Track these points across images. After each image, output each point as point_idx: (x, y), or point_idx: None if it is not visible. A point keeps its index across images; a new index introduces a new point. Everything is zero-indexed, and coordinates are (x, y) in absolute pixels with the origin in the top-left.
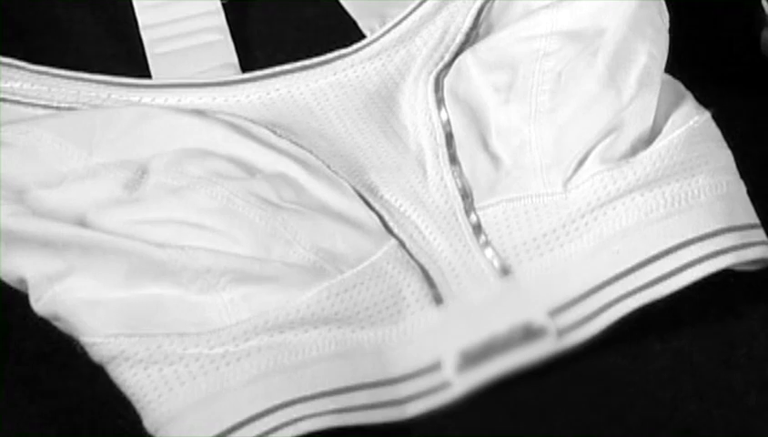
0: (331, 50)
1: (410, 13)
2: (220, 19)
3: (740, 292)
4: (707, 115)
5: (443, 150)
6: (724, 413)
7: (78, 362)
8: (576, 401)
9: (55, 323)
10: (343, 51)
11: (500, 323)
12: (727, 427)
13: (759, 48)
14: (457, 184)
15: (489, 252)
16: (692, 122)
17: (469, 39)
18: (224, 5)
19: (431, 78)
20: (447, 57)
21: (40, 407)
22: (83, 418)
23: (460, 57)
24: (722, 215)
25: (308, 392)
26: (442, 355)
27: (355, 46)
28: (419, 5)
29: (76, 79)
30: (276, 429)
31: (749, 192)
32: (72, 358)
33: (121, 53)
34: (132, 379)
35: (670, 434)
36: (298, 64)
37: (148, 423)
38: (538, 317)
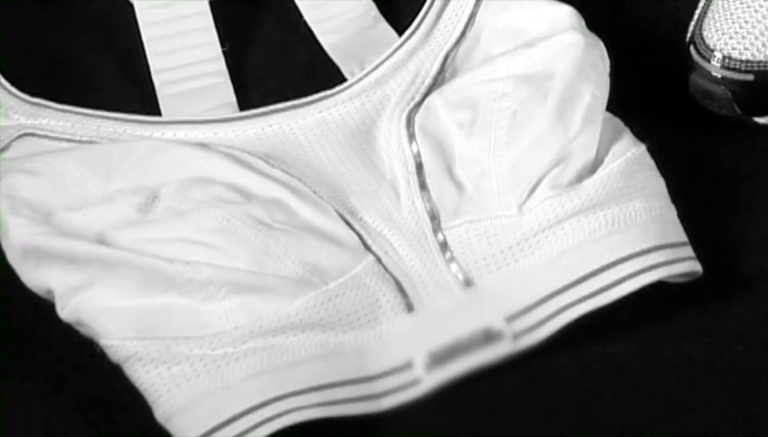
0: (317, 91)
1: (386, 59)
2: (221, 64)
3: (671, 301)
4: (643, 147)
5: (414, 178)
6: (657, 407)
7: (98, 362)
8: (528, 396)
9: (78, 328)
10: (328, 92)
11: (463, 328)
12: (659, 420)
13: (688, 89)
14: (426, 207)
15: (453, 267)
16: (629, 154)
17: (437, 82)
18: (224, 52)
19: (404, 116)
20: (417, 98)
21: (66, 400)
22: (102, 410)
23: (429, 98)
24: (656, 234)
25: (297, 388)
26: (413, 356)
27: (338, 88)
28: (393, 52)
29: (96, 117)
30: (269, 419)
31: (679, 214)
32: (92, 358)
33: (135, 94)
34: (144, 376)
35: (608, 425)
36: (289, 103)
37: (159, 415)
38: (496, 323)
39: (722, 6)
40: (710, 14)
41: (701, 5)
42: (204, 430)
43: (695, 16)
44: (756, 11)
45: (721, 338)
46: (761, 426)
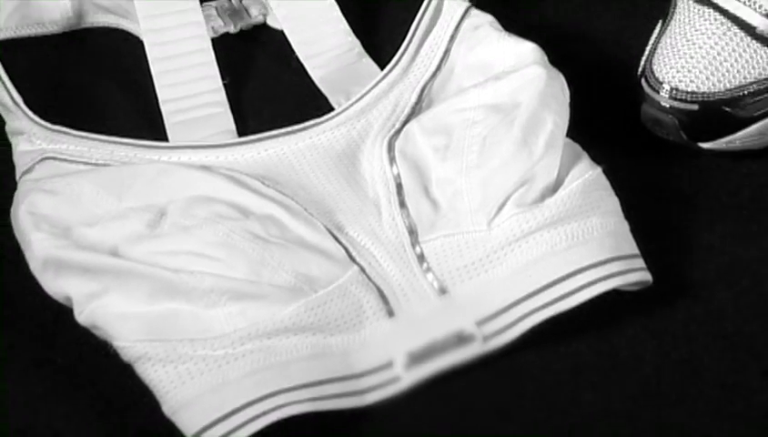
0: (308, 119)
1: (369, 91)
2: (221, 96)
3: (625, 307)
4: (599, 169)
5: (394, 197)
6: (611, 402)
7: (112, 362)
8: (497, 392)
9: (94, 331)
10: (317, 120)
11: (438, 331)
12: (613, 414)
13: (639, 118)
14: (405, 223)
15: (430, 276)
16: (587, 175)
17: (415, 111)
18: (224, 84)
19: (385, 141)
20: (397, 125)
21: (83, 396)
22: (115, 404)
23: (408, 125)
24: (611, 247)
25: (290, 385)
26: (394, 356)
27: (326, 117)
28: (376, 85)
29: (110, 142)
30: (264, 413)
31: (631, 229)
32: (107, 358)
33: (145, 121)
34: (153, 374)
35: (569, 418)
36: (282, 130)
37: (166, 409)
38: (468, 326)
39: (670, 44)
40: (659, 50)
41: (651, 42)
42: (206, 422)
43: (646, 52)
44: (700, 48)
45: (669, 340)
46: (704, 419)
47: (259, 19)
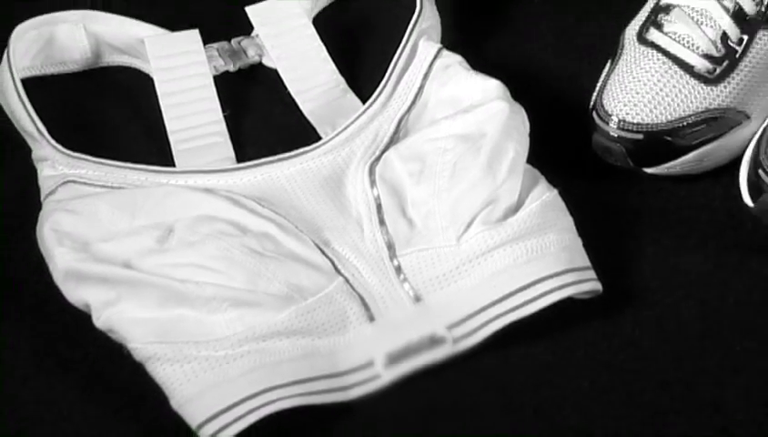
0: (298, 147)
1: (352, 122)
2: (222, 126)
3: (578, 313)
4: (555, 192)
5: (375, 216)
6: (566, 398)
7: (126, 361)
8: (465, 388)
9: (110, 334)
10: (306, 148)
11: (413, 335)
12: (569, 408)
13: (591, 146)
14: (384, 239)
15: (406, 286)
16: (544, 197)
17: (393, 140)
18: (225, 116)
19: (367, 167)
20: (377, 153)
21: (100, 391)
22: (129, 399)
23: (387, 153)
24: (566, 260)
25: (282, 382)
26: (374, 356)
27: (314, 145)
28: (358, 117)
29: (124, 167)
30: (260, 406)
31: (584, 244)
32: (121, 358)
33: (154, 149)
34: (162, 372)
35: (527, 412)
36: (275, 157)
37: (173, 403)
38: (439, 330)
39: (618, 81)
40: (608, 86)
41: (601, 79)
42: (209, 415)
43: (596, 88)
44: (645, 84)
45: (617, 342)
46: (648, 412)
47: (255, 59)
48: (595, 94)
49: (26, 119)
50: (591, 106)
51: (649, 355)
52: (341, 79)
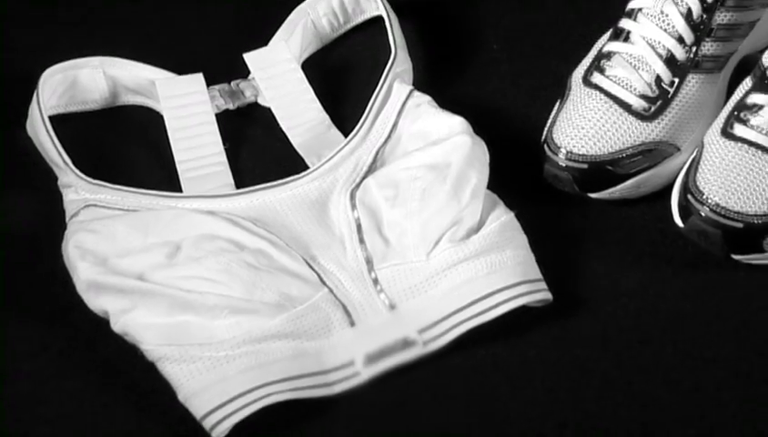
0: (289, 175)
1: (335, 154)
2: (223, 157)
3: (531, 319)
4: (512, 214)
5: (355, 235)
6: (521, 391)
7: (139, 361)
8: (433, 384)
9: (125, 337)
10: (296, 176)
11: (389, 338)
12: (523, 401)
13: (543, 174)
14: (363, 255)
15: (382, 296)
16: (502, 218)
17: (371, 169)
18: (225, 148)
19: (348, 192)
20: (357, 180)
21: (117, 387)
22: (142, 393)
23: (366, 180)
24: (521, 273)
25: (275, 379)
26: (355, 356)
27: (303, 173)
28: (341, 149)
29: (137, 193)
30: (255, 400)
31: (537, 260)
32: (135, 358)
33: (164, 176)
34: (170, 370)
35: (487, 405)
36: (269, 184)
37: (180, 397)
38: (411, 334)
39: (566, 117)
40: (557, 122)
41: (551, 116)
42: (211, 407)
43: (547, 124)
44: (589, 120)
45: (565, 345)
46: (591, 405)
47: (252, 99)
48: (546, 129)
49: (53, 151)
50: (542, 140)
51: (592, 356)
52: (326, 116)
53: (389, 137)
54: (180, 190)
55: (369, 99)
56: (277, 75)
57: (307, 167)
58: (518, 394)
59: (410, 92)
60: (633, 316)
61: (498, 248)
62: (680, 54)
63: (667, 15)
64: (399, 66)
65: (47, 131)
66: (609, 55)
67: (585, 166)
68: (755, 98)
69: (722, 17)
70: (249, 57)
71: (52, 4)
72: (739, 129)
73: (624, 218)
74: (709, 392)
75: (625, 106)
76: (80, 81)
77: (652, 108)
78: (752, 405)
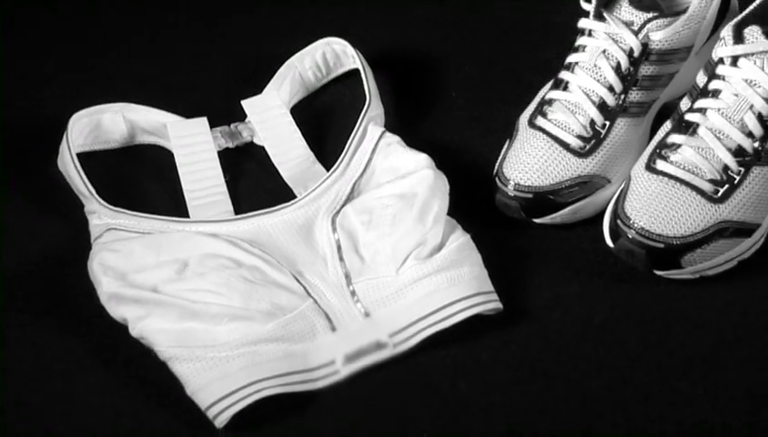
0: (279, 203)
1: (319, 186)
2: (224, 188)
3: (485, 326)
4: (468, 236)
5: (335, 254)
6: (475, 387)
7: (153, 360)
8: (401, 380)
9: (141, 340)
10: (285, 204)
11: (364, 341)
12: (477, 395)
13: (495, 203)
14: (343, 271)
15: (359, 305)
16: (460, 240)
17: (349, 199)
18: (226, 181)
19: (330, 218)
20: (338, 207)
21: (135, 383)
22: (157, 388)
23: (344, 207)
24: (476, 286)
25: (268, 375)
26: (335, 357)
27: (291, 202)
28: (323, 182)
29: (151, 218)
30: (251, 394)
31: (489, 275)
32: (150, 358)
33: (174, 204)
34: (180, 368)
35: (447, 398)
36: (262, 210)
37: (188, 391)
38: (383, 337)
39: (514, 154)
40: (507, 158)
41: (502, 153)
42: (214, 399)
43: (498, 160)
44: (534, 157)
45: (514, 347)
46: (537, 398)
47: (248, 139)
48: (497, 164)
49: (80, 183)
50: (494, 173)
51: (535, 356)
52: (311, 153)
53: (364, 171)
54: (188, 216)
55: (348, 139)
56: (270, 118)
57: (295, 197)
58: (473, 389)
59: (382, 133)
60: (571, 322)
61: (456, 265)
62: (610, 101)
63: (599, 68)
64: (373, 111)
65: (75, 166)
66: (550, 102)
67: (530, 195)
68: (674, 139)
69: (646, 70)
70: (246, 104)
71: (81, 59)
72: (660, 164)
73: (563, 239)
74: (635, 385)
75: (564, 145)
76: (103, 124)
77: (587, 147)
78: (672, 397)
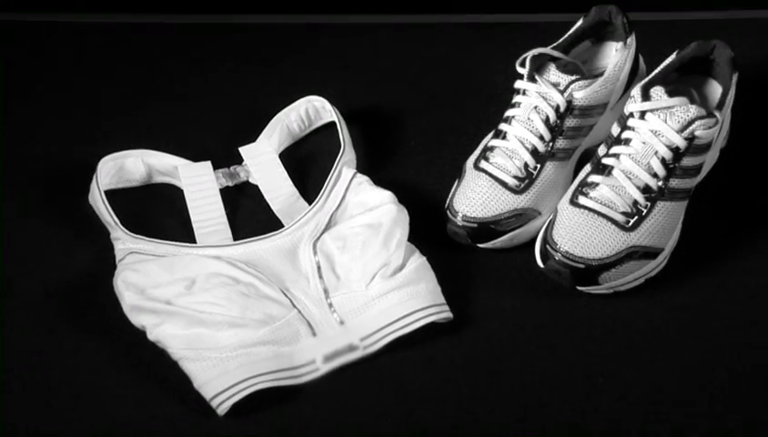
0: (270, 232)
1: (302, 217)
2: (225, 219)
3: (437, 332)
4: (424, 258)
5: (316, 273)
6: (430, 383)
7: (167, 359)
8: (369, 377)
9: (157, 344)
10: (275, 232)
11: (339, 343)
12: (432, 391)
13: (446, 232)
14: (322, 287)
15: (335, 315)
16: (418, 261)
17: (327, 228)
18: (226, 213)
19: (311, 243)
20: (318, 235)
21: (152, 378)
22: (170, 383)
23: (323, 235)
24: (431, 299)
25: (260, 372)
26: (316, 357)
27: (280, 230)
28: (305, 214)
29: (166, 244)
30: (246, 388)
31: (442, 290)
32: (164, 357)
33: (184, 232)
34: (189, 367)
35: (408, 391)
36: (256, 237)
37: (195, 385)
38: (355, 341)
39: (462, 192)
40: (456, 195)
41: (452, 191)
42: (216, 392)
43: (449, 196)
44: (478, 194)
45: (462, 350)
46: (480, 395)
47: (245, 179)
48: (448, 200)
49: (107, 215)
50: (445, 207)
51: (480, 357)
52: (296, 191)
53: (339, 205)
54: (195, 242)
55: (326, 180)
56: (262, 162)
57: (282, 226)
58: (427, 384)
59: (354, 174)
60: (509, 329)
61: (415, 282)
62: (541, 147)
63: (532, 121)
64: (347, 156)
65: (103, 201)
66: (492, 149)
67: (475, 225)
68: (593, 178)
69: (570, 122)
70: (243, 150)
71: (107, 113)
72: (582, 200)
73: (503, 260)
74: (561, 379)
75: (503, 184)
76: (126, 166)
77: (522, 185)
78: (589, 389)
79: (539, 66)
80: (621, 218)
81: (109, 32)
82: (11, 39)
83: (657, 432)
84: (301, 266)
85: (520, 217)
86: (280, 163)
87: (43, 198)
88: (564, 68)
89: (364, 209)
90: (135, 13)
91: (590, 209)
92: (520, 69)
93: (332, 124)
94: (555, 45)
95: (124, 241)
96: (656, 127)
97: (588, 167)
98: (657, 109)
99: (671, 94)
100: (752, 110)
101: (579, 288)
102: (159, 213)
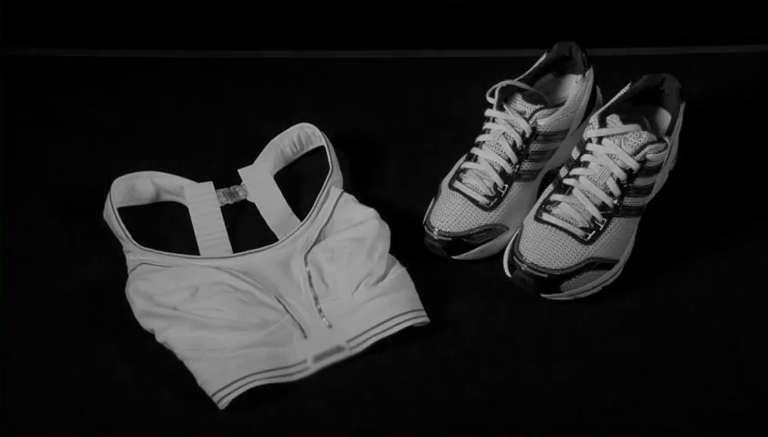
0: (266, 244)
1: (294, 232)
2: (225, 234)
3: (414, 335)
4: (404, 269)
5: (307, 281)
6: (408, 381)
7: (174, 359)
8: (354, 375)
9: (165, 345)
10: (270, 245)
11: (328, 345)
12: (408, 388)
13: (424, 245)
14: (312, 294)
15: (324, 319)
16: (398, 271)
17: (317, 241)
18: (227, 228)
19: (303, 255)
20: (308, 247)
21: (160, 373)
22: (176, 379)
23: (313, 248)
24: (410, 305)
25: (257, 371)
26: (307, 357)
27: (274, 243)
28: (297, 229)
29: (172, 256)
30: (245, 384)
31: (420, 297)
32: (171, 357)
33: (189, 245)
34: (193, 365)
35: (388, 388)
36: (253, 250)
37: (199, 382)
38: (342, 342)
39: (438, 209)
40: (433, 212)
41: (429, 208)
42: (217, 388)
43: (426, 213)
44: (453, 211)
45: (436, 350)
46: (452, 390)
47: (243, 198)
48: (425, 216)
49: (120, 230)
50: (423, 223)
51: (453, 357)
52: (289, 208)
53: (327, 221)
54: (199, 254)
55: (316, 198)
56: (259, 182)
57: (277, 240)
58: (407, 381)
59: (341, 193)
60: (478, 331)
61: (396, 290)
62: (508, 169)
63: (500, 145)
64: (335, 177)
65: (116, 217)
66: (464, 170)
67: (450, 239)
68: (555, 197)
69: (534, 147)
70: (241, 171)
71: (121, 140)
72: (545, 216)
73: (474, 270)
74: (526, 377)
75: (474, 202)
76: (137, 187)
77: (491, 203)
78: (552, 385)
79: (507, 97)
80: (580, 233)
81: (130, 67)
82: (50, 73)
83: (619, 425)
84: (294, 275)
85: (489, 231)
86: (275, 183)
87: (62, 215)
88: (529, 98)
89: (350, 225)
90: (160, 48)
91: (552, 225)
92: (489, 99)
93: (321, 148)
94: (521, 77)
95: (135, 253)
96: (612, 151)
97: (551, 187)
98: (613, 135)
99: (625, 121)
100: (698, 136)
101: (542, 295)
102: (167, 228)
